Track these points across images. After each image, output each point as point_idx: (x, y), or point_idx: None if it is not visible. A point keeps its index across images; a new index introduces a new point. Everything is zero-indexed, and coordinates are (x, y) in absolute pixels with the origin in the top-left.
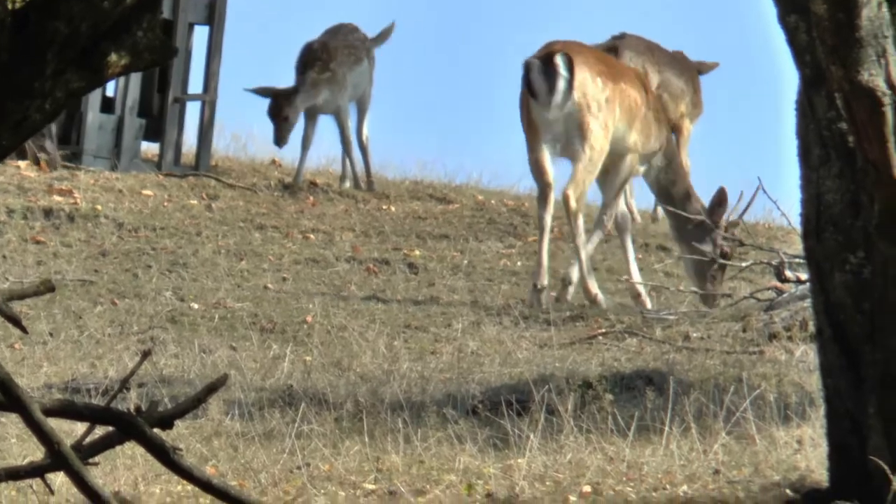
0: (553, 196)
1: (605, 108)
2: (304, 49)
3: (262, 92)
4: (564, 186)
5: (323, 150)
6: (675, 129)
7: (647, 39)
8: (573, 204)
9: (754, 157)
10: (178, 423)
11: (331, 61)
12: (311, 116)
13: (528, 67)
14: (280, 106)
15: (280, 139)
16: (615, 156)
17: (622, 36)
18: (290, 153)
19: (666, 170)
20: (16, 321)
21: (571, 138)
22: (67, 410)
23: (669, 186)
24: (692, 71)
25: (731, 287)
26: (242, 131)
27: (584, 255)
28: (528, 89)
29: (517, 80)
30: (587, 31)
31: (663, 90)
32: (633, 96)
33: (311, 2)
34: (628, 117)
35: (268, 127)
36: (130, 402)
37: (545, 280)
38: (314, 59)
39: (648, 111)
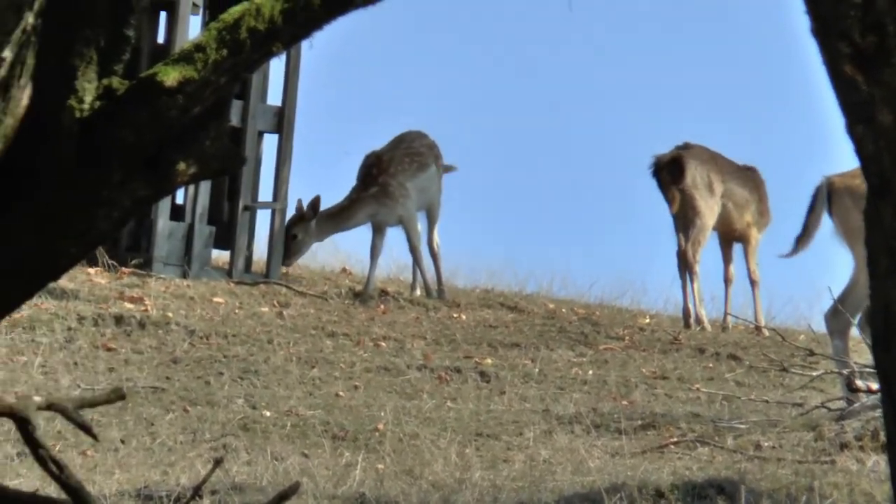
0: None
1: None
2: (363, 160)
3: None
4: None
5: (393, 257)
6: (742, 239)
7: (710, 149)
8: None
9: (824, 267)
10: None
11: (380, 175)
12: (377, 228)
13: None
14: (293, 223)
15: (285, 257)
16: None
17: (686, 146)
18: (360, 262)
19: None
20: (87, 428)
21: None
22: None
23: None
24: (757, 179)
25: (803, 396)
26: None
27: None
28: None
29: (587, 188)
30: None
31: (727, 200)
32: None
33: (381, 108)
34: None
35: (339, 235)
36: None
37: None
38: (364, 174)
39: None
